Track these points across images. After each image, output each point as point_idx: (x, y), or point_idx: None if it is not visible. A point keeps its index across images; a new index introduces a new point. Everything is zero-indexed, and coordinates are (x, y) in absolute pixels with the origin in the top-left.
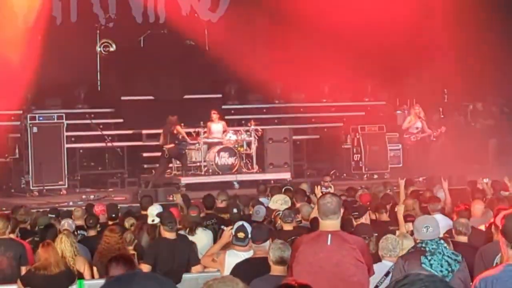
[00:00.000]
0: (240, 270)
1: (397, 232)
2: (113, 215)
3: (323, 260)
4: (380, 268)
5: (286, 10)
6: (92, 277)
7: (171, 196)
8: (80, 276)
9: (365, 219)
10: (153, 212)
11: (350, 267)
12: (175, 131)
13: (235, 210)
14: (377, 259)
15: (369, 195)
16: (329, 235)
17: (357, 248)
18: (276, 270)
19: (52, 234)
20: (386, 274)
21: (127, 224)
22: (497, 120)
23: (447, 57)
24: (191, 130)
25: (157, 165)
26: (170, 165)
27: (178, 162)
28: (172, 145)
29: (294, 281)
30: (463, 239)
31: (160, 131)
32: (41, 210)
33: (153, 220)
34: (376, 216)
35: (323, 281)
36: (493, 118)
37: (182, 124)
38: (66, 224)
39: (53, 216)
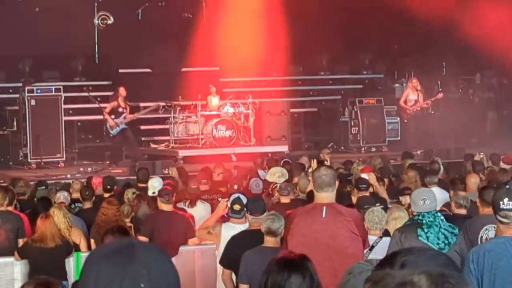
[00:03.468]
0: (235, 242)
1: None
2: (108, 187)
3: (317, 232)
4: None
5: None
6: (89, 249)
7: (167, 169)
8: (77, 248)
9: (368, 192)
10: (154, 184)
11: (344, 239)
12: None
13: (235, 187)
14: None
15: (370, 168)
16: (324, 208)
17: (351, 220)
18: (268, 241)
19: (46, 206)
20: (371, 248)
21: (127, 196)
22: (496, 93)
23: (445, 29)
24: (189, 102)
25: (154, 137)
26: (168, 137)
27: (176, 134)
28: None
29: (292, 253)
30: (463, 212)
31: (159, 103)
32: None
33: (153, 192)
34: (373, 189)
35: (318, 253)
36: (491, 91)
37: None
38: (62, 196)
39: (42, 188)
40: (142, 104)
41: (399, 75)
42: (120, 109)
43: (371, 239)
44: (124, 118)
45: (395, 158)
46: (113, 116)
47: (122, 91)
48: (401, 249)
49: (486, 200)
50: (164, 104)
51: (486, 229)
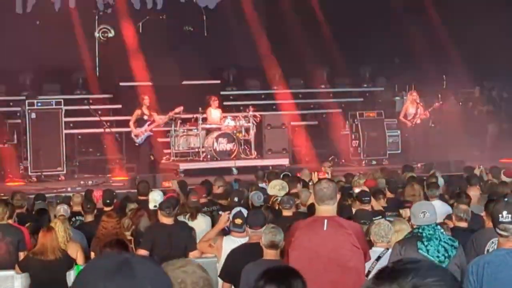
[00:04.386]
0: (235, 255)
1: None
2: (108, 201)
3: (319, 245)
4: (370, 255)
5: None
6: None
7: (167, 182)
8: (75, 262)
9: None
10: (155, 198)
11: (346, 252)
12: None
13: (236, 199)
14: (370, 245)
15: (373, 180)
16: (325, 221)
17: (352, 233)
18: (268, 254)
19: (45, 219)
20: (377, 259)
21: (127, 209)
22: (496, 106)
23: (445, 43)
24: (190, 116)
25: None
26: (169, 150)
27: (177, 148)
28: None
29: (282, 266)
30: (463, 225)
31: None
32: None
33: (154, 206)
34: (374, 202)
35: (319, 266)
36: (491, 104)
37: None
38: (62, 209)
39: (39, 202)
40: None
41: (399, 88)
42: (145, 117)
43: (378, 250)
44: (148, 125)
45: (396, 171)
46: (136, 125)
47: (145, 100)
48: (410, 266)
49: None
50: (182, 109)
51: (493, 242)
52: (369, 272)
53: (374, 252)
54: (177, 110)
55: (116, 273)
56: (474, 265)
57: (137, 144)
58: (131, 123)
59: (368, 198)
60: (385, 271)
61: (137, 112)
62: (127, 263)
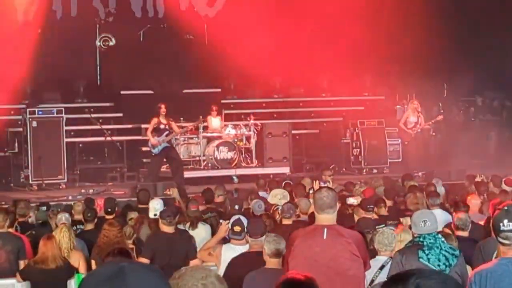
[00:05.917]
0: (236, 264)
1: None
2: (109, 209)
3: (318, 254)
4: (374, 263)
5: (284, 4)
6: (89, 271)
7: (168, 190)
8: (76, 271)
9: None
10: (155, 206)
11: (345, 261)
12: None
13: (236, 207)
14: (375, 253)
15: (372, 189)
16: (325, 229)
17: (352, 242)
18: (271, 263)
19: (47, 230)
20: (381, 268)
21: (128, 218)
22: (498, 115)
23: (446, 50)
24: (191, 124)
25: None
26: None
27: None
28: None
29: (300, 274)
30: (463, 233)
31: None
32: (33, 204)
33: (155, 214)
34: (375, 210)
35: (319, 275)
36: (492, 113)
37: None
38: (64, 218)
39: (44, 208)
40: (144, 126)
41: (400, 96)
42: (162, 126)
43: (381, 259)
44: (166, 136)
45: (396, 180)
46: (154, 134)
47: (162, 109)
48: (414, 270)
49: None
50: (202, 119)
51: None
52: (372, 281)
53: (378, 260)
54: (195, 123)
55: (108, 281)
56: (477, 274)
57: (153, 154)
58: (148, 132)
59: (372, 206)
60: (391, 278)
61: (154, 120)
62: (122, 271)
